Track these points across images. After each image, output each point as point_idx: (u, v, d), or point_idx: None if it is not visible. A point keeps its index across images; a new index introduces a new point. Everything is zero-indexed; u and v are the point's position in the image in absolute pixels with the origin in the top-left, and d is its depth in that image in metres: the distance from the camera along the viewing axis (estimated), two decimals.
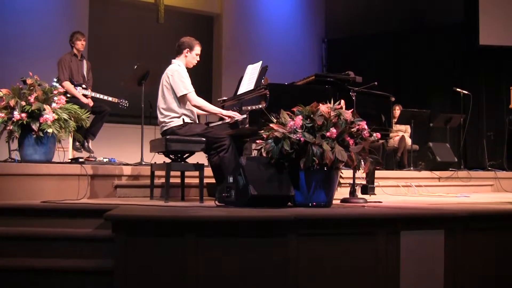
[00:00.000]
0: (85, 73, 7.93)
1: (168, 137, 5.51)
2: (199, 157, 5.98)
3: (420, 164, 9.50)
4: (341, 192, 5.54)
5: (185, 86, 5.64)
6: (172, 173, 5.58)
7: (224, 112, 5.82)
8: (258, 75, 5.93)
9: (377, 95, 6.30)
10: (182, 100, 5.66)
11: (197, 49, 5.88)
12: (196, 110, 5.86)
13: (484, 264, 4.34)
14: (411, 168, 9.34)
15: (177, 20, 12.31)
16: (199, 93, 5.78)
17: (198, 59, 5.95)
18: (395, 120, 9.99)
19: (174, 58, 5.88)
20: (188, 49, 5.83)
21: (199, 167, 5.52)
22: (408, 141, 10.30)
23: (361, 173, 5.84)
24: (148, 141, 6.10)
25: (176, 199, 5.83)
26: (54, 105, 5.69)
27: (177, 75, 5.67)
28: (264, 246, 3.77)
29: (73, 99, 7.10)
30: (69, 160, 6.55)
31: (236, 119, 5.63)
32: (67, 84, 7.55)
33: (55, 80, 7.62)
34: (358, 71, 6.05)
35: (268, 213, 3.97)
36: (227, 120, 5.79)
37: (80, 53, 7.94)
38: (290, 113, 4.80)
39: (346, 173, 5.50)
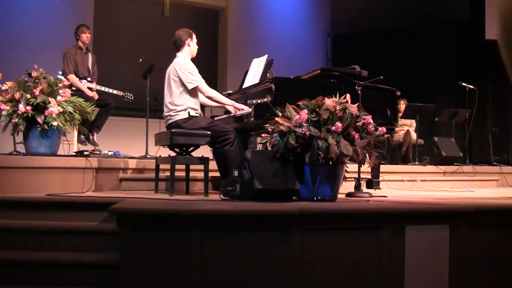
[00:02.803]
0: (90, 66, 7.93)
1: (173, 130, 5.51)
2: (204, 151, 5.98)
3: (425, 158, 9.48)
4: (346, 187, 5.53)
5: (195, 77, 5.65)
6: (177, 166, 5.58)
7: (236, 104, 5.80)
8: (264, 69, 5.92)
9: (383, 89, 6.28)
10: (191, 92, 5.66)
11: (195, 38, 5.94)
12: (206, 101, 5.88)
13: (488, 259, 4.33)
14: (416, 162, 9.33)
15: (182, 14, 12.29)
16: None
17: (197, 46, 5.97)
18: (400, 114, 9.97)
19: (177, 52, 5.87)
20: (189, 38, 5.85)
21: (204, 160, 5.52)
22: (413, 135, 10.28)
23: (366, 168, 5.83)
24: (153, 134, 6.10)
25: (181, 192, 5.83)
26: (59, 98, 5.70)
27: (185, 67, 5.67)
28: (269, 240, 3.77)
29: (78, 92, 7.10)
30: (74, 153, 6.55)
31: (243, 112, 5.63)
32: (72, 77, 7.55)
33: (60, 73, 7.62)
34: (364, 66, 6.03)
35: (273, 207, 3.96)
36: (233, 113, 5.79)
37: (85, 46, 7.94)
38: (295, 107, 4.78)
39: (351, 167, 5.50)
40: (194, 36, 5.92)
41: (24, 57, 9.03)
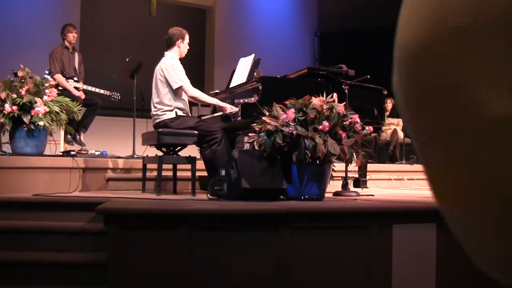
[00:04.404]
0: (76, 65, 7.90)
1: (160, 130, 5.50)
2: (192, 150, 5.97)
3: (412, 157, 9.51)
4: (334, 186, 5.54)
5: (180, 78, 5.64)
6: (164, 166, 5.56)
7: (221, 103, 5.80)
8: (251, 68, 5.92)
9: (370, 88, 6.30)
10: (177, 92, 5.65)
11: (187, 38, 5.92)
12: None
13: None
14: (403, 161, 9.36)
15: (169, 13, 12.26)
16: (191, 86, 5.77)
17: (188, 47, 5.96)
18: (388, 113, 10.00)
19: (166, 51, 5.86)
20: (180, 39, 5.84)
21: (191, 160, 5.51)
22: (401, 134, 10.31)
23: (353, 167, 5.85)
24: (140, 134, 6.09)
25: (168, 192, 5.82)
26: (45, 97, 5.67)
27: (171, 67, 5.66)
28: (256, 239, 3.77)
29: (64, 92, 7.06)
30: (61, 153, 6.52)
31: (229, 111, 5.63)
32: (59, 77, 7.52)
33: (47, 72, 7.58)
34: (351, 65, 6.04)
35: (261, 207, 3.97)
36: (221, 112, 5.79)
37: (72, 45, 7.91)
38: (282, 106, 4.79)
39: (339, 166, 5.50)
40: (186, 37, 5.90)
41: (10, 57, 8.96)
